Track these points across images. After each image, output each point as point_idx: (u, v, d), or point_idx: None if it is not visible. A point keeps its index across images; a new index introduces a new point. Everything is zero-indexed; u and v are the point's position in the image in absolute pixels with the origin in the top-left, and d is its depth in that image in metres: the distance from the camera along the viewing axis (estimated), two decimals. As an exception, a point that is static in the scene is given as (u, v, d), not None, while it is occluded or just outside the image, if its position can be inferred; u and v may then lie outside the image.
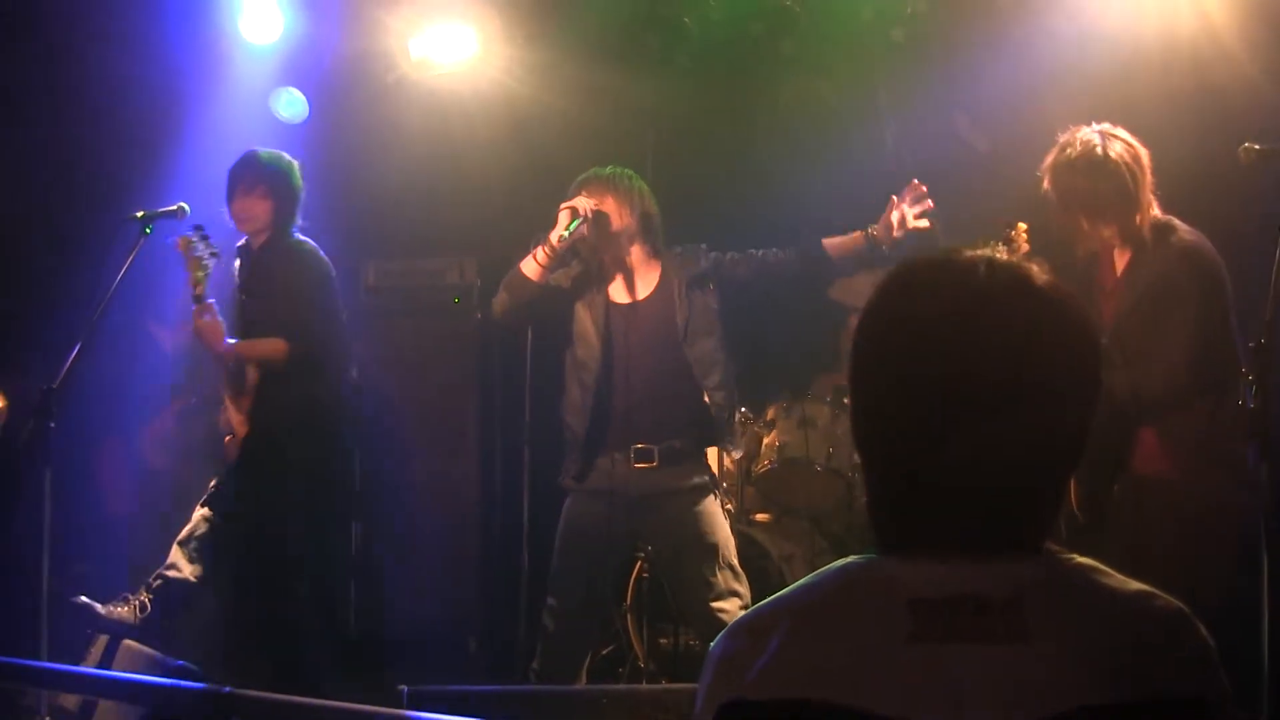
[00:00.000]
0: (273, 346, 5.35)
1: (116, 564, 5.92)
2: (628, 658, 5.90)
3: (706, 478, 5.05)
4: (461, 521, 6.74)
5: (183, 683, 4.06)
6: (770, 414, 6.21)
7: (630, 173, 5.23)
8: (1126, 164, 4.33)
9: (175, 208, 5.01)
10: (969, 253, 1.62)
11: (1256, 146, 4.15)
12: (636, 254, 5.16)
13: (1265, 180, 4.30)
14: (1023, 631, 1.49)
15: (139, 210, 5.01)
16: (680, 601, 5.36)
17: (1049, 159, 4.45)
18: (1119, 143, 4.36)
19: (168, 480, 6.25)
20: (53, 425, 4.61)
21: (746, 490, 6.15)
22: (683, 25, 6.68)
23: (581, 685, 5.08)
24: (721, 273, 5.16)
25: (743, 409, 6.19)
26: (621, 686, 5.51)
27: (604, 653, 5.99)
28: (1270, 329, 3.76)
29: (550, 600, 5.08)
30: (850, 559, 1.63)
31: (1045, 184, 4.46)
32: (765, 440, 6.16)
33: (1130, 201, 4.33)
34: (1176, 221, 4.37)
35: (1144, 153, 4.38)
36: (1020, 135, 4.92)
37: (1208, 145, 5.19)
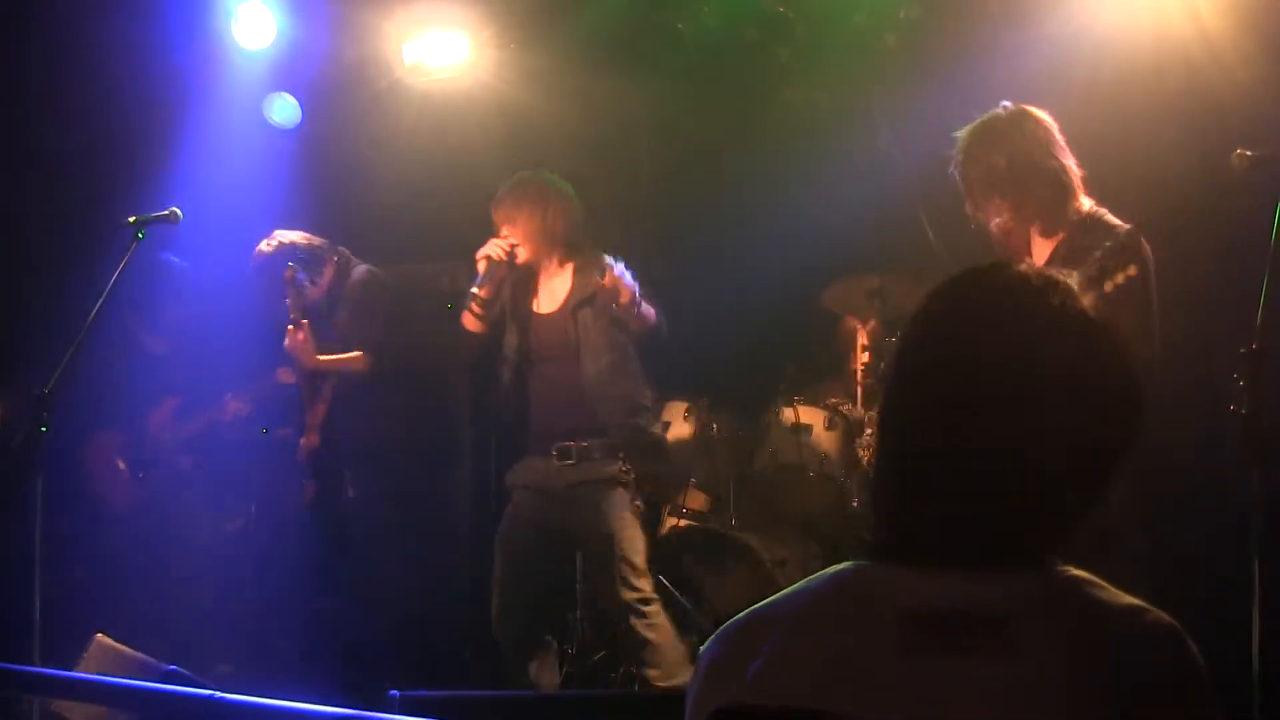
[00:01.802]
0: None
1: (109, 569, 5.91)
2: (620, 663, 5.89)
3: (618, 474, 5.29)
4: (454, 528, 6.72)
5: (174, 687, 4.04)
6: (763, 420, 6.21)
7: (550, 178, 5.48)
8: (1018, 135, 4.23)
9: (168, 213, 4.99)
10: (1014, 266, 1.63)
11: (1249, 152, 4.14)
12: (552, 264, 5.44)
13: (1257, 186, 4.29)
14: (1013, 648, 1.49)
15: (132, 215, 5.00)
16: (589, 587, 5.76)
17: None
18: (1011, 117, 4.26)
19: (158, 485, 6.24)
20: (46, 430, 4.60)
21: (739, 495, 6.15)
22: (677, 31, 6.68)
23: (572, 690, 5.09)
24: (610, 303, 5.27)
25: (735, 414, 6.20)
26: (613, 691, 5.51)
27: (596, 658, 5.98)
28: (1263, 334, 3.76)
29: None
30: (843, 566, 1.63)
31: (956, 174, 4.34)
32: (758, 446, 6.16)
33: (1026, 176, 4.20)
34: (1107, 214, 4.20)
35: (1050, 131, 4.24)
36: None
37: (1200, 151, 5.19)
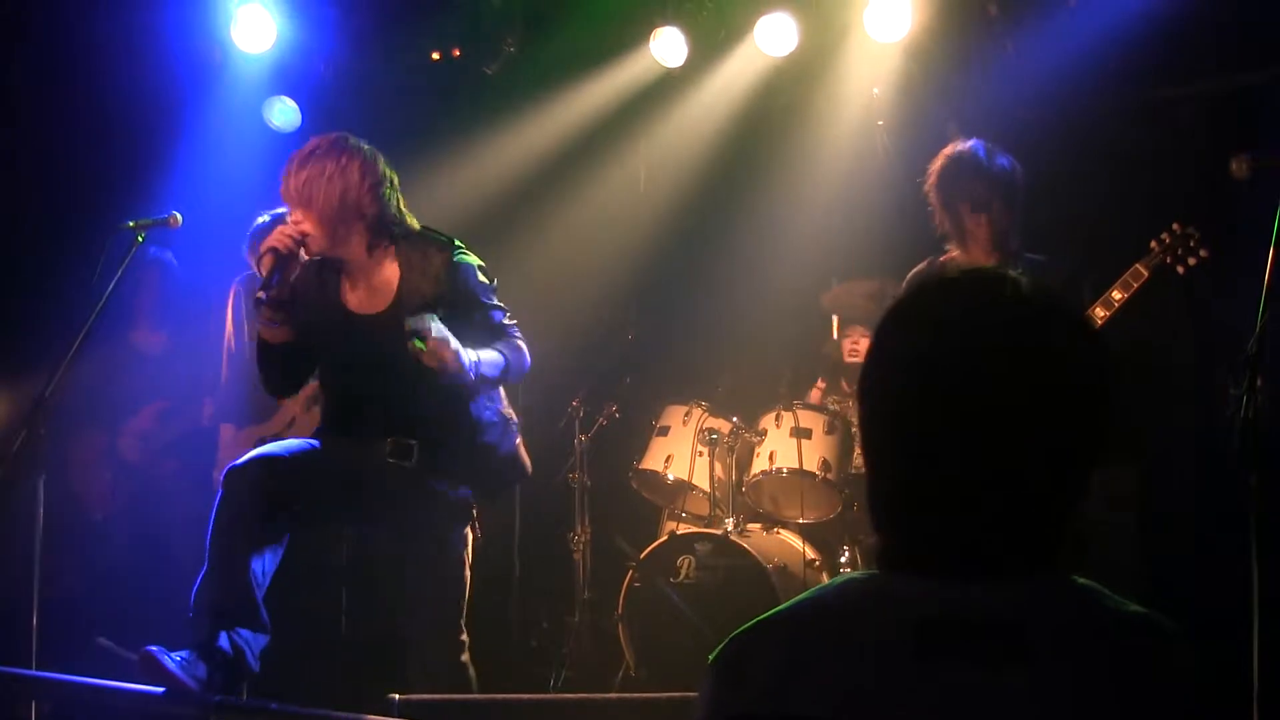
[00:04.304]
0: None
1: (97, 573, 5.90)
2: (620, 666, 5.90)
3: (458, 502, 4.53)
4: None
5: (173, 690, 4.04)
6: (762, 423, 6.20)
7: (349, 141, 4.34)
8: (1007, 171, 4.81)
9: (168, 217, 5.00)
10: (984, 268, 1.64)
11: (1249, 158, 4.14)
12: (359, 252, 4.37)
13: (1257, 192, 4.29)
14: (1025, 654, 1.50)
15: (131, 219, 5.00)
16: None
17: (935, 165, 4.89)
18: (1001, 155, 4.84)
19: (149, 484, 6.23)
20: (44, 434, 4.60)
21: (738, 500, 6.15)
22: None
23: (568, 695, 5.07)
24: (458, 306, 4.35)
25: (734, 418, 6.20)
26: (611, 695, 5.50)
27: (591, 660, 5.99)
28: (1261, 339, 3.76)
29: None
30: (853, 574, 1.63)
31: (930, 188, 4.88)
32: (757, 450, 6.16)
33: (1005, 204, 4.77)
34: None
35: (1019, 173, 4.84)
36: (1012, 142, 4.93)
37: (1199, 155, 5.19)
